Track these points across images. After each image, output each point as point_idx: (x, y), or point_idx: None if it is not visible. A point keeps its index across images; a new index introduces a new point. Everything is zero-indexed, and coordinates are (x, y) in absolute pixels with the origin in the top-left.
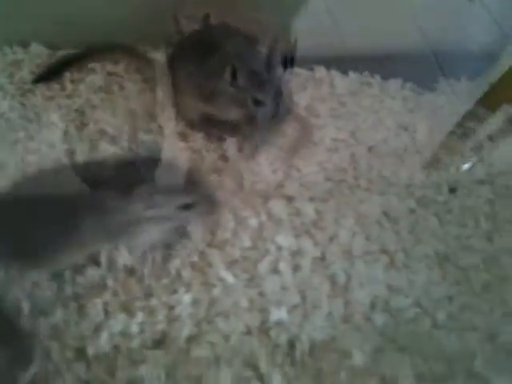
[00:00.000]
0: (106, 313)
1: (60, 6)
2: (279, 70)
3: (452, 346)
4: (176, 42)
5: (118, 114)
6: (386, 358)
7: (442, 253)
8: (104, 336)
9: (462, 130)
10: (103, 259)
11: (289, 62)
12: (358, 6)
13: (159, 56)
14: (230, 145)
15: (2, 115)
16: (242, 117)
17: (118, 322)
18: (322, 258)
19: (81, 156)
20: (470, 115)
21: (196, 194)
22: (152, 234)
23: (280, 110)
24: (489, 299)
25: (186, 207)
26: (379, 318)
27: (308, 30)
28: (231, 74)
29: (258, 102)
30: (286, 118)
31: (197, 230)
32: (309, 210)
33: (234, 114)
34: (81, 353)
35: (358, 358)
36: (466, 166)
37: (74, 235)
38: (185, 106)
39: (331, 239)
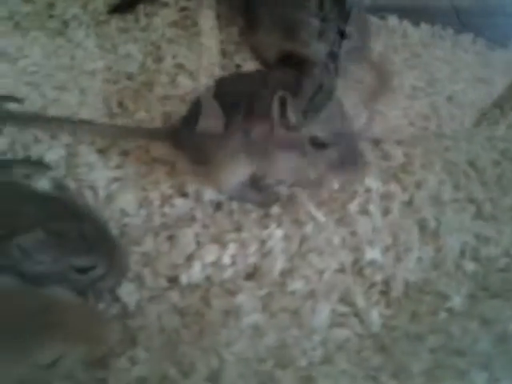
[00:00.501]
0: (198, 243)
1: None
2: None
3: None
4: None
5: (194, 50)
6: (482, 303)
7: None
8: (196, 266)
9: None
10: (190, 190)
11: None
12: None
13: None
14: None
15: (79, 44)
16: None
17: (210, 252)
18: (410, 203)
19: (159, 89)
20: None
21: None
22: (289, 162)
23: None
24: None
25: (322, 146)
26: (469, 266)
27: None
28: (318, 3)
29: (343, 35)
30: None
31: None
32: (397, 153)
33: (317, 48)
34: (174, 281)
35: (457, 301)
36: None
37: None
38: (261, 43)
39: (418, 185)
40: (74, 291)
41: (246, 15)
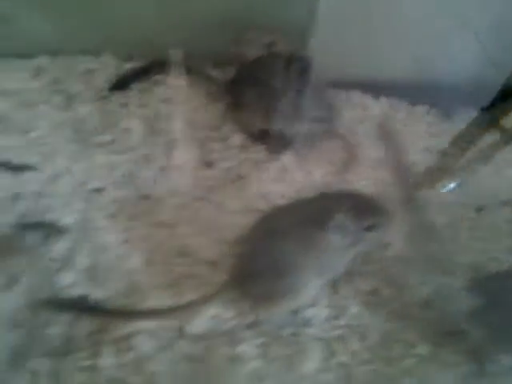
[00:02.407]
0: None
1: (131, 21)
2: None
3: None
4: (240, 65)
5: (187, 124)
6: None
7: None
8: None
9: (453, 150)
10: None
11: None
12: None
13: (217, 73)
14: (287, 156)
15: (84, 119)
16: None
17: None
18: None
19: (158, 162)
20: (462, 136)
21: (377, 215)
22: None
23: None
24: None
25: (370, 228)
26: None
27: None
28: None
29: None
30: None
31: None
32: None
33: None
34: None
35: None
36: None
37: None
38: (246, 121)
39: None
40: None
41: (234, 98)
